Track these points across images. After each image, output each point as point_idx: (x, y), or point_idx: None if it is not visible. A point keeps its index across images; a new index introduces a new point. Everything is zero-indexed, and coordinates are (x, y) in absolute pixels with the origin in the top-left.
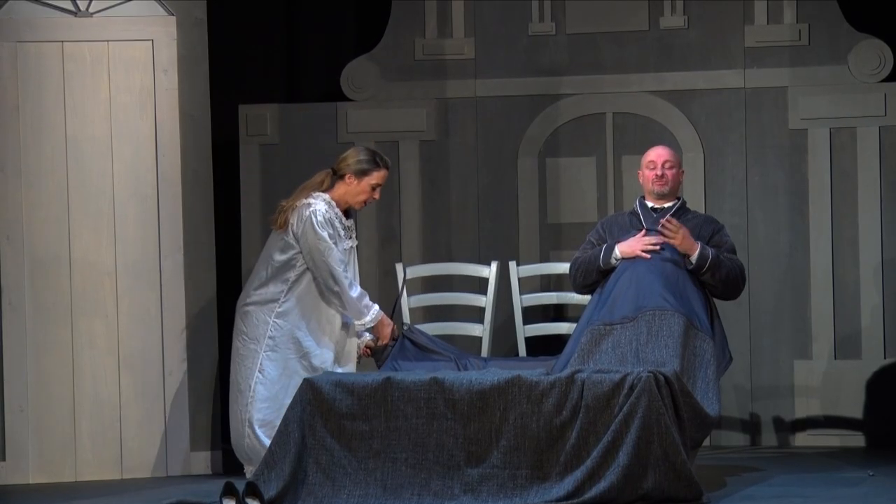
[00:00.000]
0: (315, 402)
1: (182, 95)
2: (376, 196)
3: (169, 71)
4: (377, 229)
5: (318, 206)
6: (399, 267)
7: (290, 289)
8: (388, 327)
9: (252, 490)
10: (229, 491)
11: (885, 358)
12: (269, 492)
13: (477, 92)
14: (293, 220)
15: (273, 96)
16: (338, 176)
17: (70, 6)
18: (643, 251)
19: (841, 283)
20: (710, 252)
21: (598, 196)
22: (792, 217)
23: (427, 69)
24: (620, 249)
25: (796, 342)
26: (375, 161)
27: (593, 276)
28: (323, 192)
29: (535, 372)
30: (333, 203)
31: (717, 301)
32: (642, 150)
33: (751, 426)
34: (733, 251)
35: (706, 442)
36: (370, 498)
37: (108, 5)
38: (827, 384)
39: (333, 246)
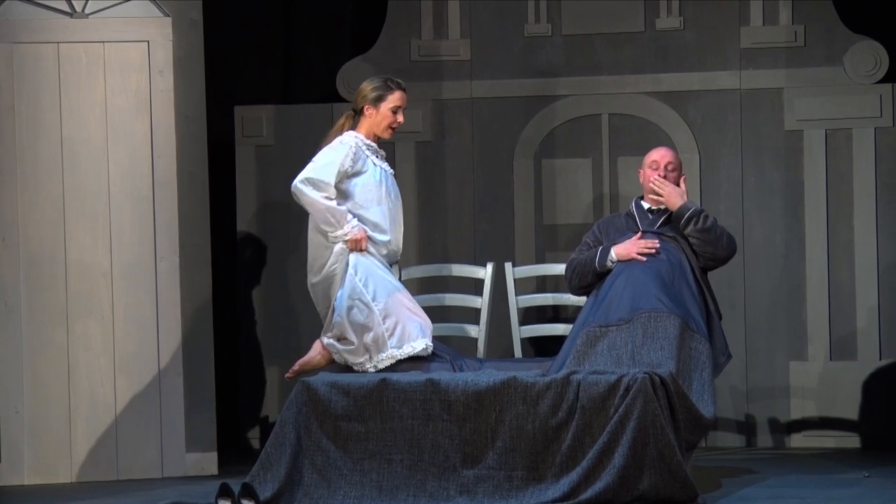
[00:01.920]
0: (311, 403)
1: (178, 97)
2: (400, 119)
3: (165, 72)
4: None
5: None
6: (395, 268)
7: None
8: (364, 242)
9: (247, 491)
10: (225, 492)
11: (880, 359)
12: (265, 493)
13: (473, 93)
14: None
15: (269, 98)
16: (358, 113)
17: (66, 7)
18: (639, 254)
19: (836, 285)
20: (693, 203)
21: (593, 197)
22: (787, 218)
23: (423, 70)
24: (616, 252)
25: (792, 344)
26: (388, 85)
27: (589, 279)
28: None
29: (531, 373)
30: (361, 135)
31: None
32: (638, 152)
33: (746, 427)
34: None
35: (702, 443)
36: (365, 499)
37: (104, 6)
38: (822, 386)
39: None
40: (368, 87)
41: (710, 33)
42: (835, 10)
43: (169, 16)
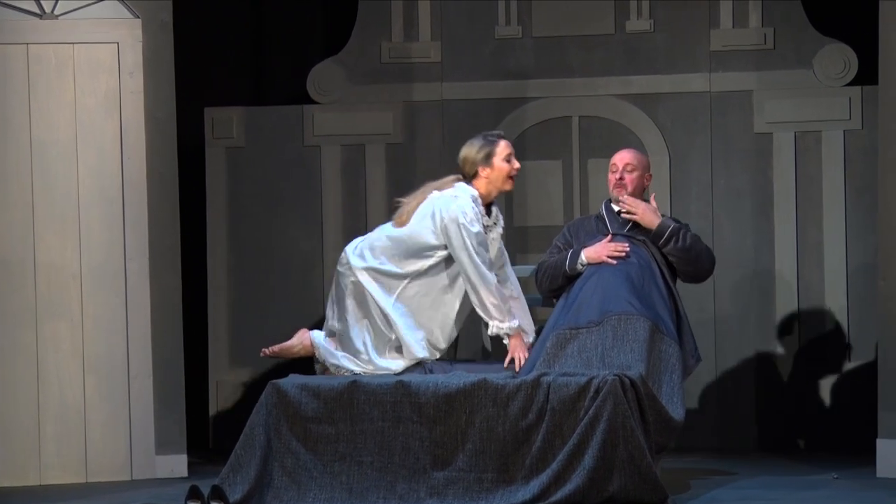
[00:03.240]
0: (280, 405)
1: (148, 98)
2: (516, 165)
3: (134, 73)
4: (343, 233)
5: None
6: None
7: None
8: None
9: (217, 493)
10: (194, 494)
11: (849, 361)
12: (235, 495)
13: (443, 95)
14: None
15: (239, 99)
16: (471, 178)
17: (35, 8)
18: (609, 257)
19: (806, 287)
20: (671, 222)
21: (564, 199)
22: (757, 221)
23: (393, 72)
24: (586, 255)
25: (761, 345)
26: (489, 139)
27: (559, 282)
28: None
29: (501, 375)
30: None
31: (686, 300)
32: (608, 154)
33: (716, 429)
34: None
35: (671, 445)
36: (336, 501)
37: (74, 7)
38: (792, 387)
39: None
40: (472, 151)
41: (680, 36)
42: (804, 13)
43: (139, 17)
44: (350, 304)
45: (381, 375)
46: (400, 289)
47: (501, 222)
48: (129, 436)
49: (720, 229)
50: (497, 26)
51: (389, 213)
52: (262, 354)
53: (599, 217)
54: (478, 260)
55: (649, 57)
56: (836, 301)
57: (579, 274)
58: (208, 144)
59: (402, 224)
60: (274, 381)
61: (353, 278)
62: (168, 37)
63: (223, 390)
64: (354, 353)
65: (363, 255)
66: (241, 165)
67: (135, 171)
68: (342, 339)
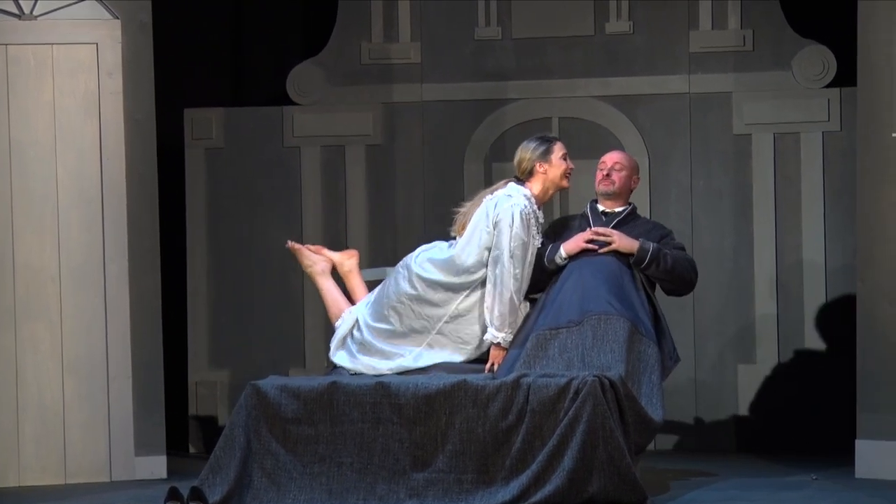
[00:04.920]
0: (260, 406)
1: (127, 99)
2: (571, 165)
3: (114, 74)
4: (323, 234)
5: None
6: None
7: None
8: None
9: (196, 495)
10: (174, 495)
11: (828, 362)
12: (214, 496)
13: (423, 96)
14: None
15: (219, 100)
16: (527, 176)
17: (14, 9)
18: (587, 242)
19: (784, 288)
20: (650, 245)
21: None
22: (736, 222)
23: (373, 73)
24: (565, 248)
25: (740, 346)
26: (546, 139)
27: (537, 275)
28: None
29: (481, 376)
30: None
31: (664, 301)
32: (588, 155)
33: (695, 430)
34: (682, 249)
35: (650, 446)
36: (315, 502)
37: (53, 8)
38: (771, 388)
39: None
40: (529, 150)
41: (660, 37)
42: (783, 15)
43: (118, 18)
44: (399, 315)
45: (361, 377)
46: (456, 303)
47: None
48: (109, 437)
49: (699, 230)
50: (477, 27)
51: (369, 213)
52: (286, 244)
53: (583, 216)
54: (507, 265)
55: (629, 58)
56: (814, 302)
57: (558, 268)
58: (188, 145)
59: (460, 233)
60: (253, 382)
61: (409, 290)
62: (147, 37)
63: (203, 391)
64: (372, 351)
65: (423, 266)
66: (221, 166)
67: (114, 172)
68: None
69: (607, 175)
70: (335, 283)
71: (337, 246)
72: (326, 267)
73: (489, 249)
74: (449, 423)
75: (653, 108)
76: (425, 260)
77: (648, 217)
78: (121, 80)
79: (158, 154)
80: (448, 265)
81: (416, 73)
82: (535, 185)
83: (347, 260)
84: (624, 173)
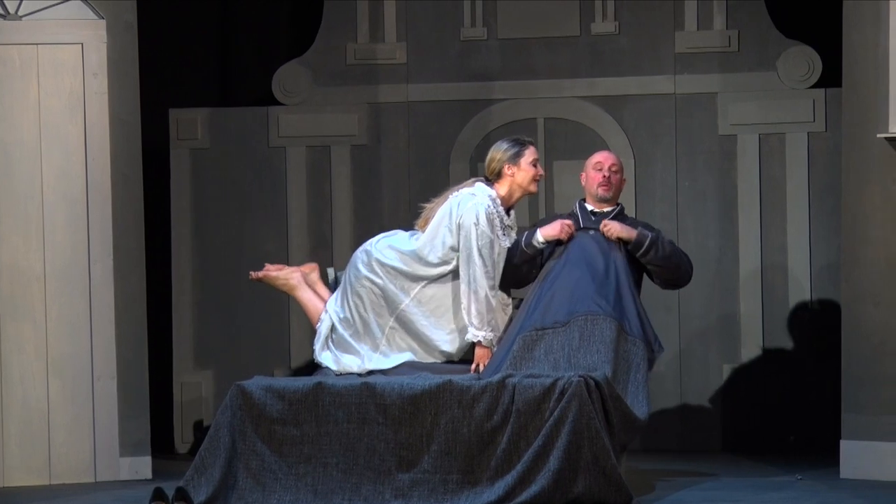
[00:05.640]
0: (245, 407)
1: (112, 99)
2: (541, 171)
3: (99, 75)
4: (308, 235)
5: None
6: (331, 272)
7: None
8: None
9: (181, 495)
10: (158, 496)
11: (813, 362)
12: (199, 497)
13: (409, 97)
14: None
15: (204, 100)
16: (496, 177)
17: None
18: (564, 230)
19: (769, 288)
20: (647, 231)
21: (529, 201)
22: (721, 222)
23: (359, 74)
24: (543, 233)
25: (725, 346)
26: (518, 142)
27: (515, 261)
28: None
29: (467, 377)
30: (498, 201)
31: (650, 300)
32: (574, 156)
33: (680, 430)
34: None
35: (636, 446)
36: (300, 503)
37: (38, 8)
38: (756, 388)
39: None
40: (500, 151)
41: (645, 38)
42: (768, 16)
43: (103, 18)
44: (361, 300)
45: (346, 377)
46: (417, 289)
47: (515, 227)
48: (94, 437)
49: (685, 231)
50: (463, 28)
51: (355, 214)
52: (250, 276)
53: (572, 214)
54: (477, 262)
55: (614, 59)
56: (799, 302)
57: (536, 252)
58: (173, 146)
59: (423, 228)
60: (239, 382)
61: (370, 275)
62: (133, 38)
63: (188, 392)
64: (348, 348)
65: (383, 252)
66: (206, 167)
67: (99, 173)
68: (345, 333)
69: (607, 178)
70: (313, 292)
71: (323, 245)
72: (300, 278)
73: (454, 248)
74: (434, 424)
75: (638, 108)
76: (386, 246)
77: (635, 217)
78: (106, 81)
79: (143, 154)
80: (410, 255)
81: (401, 73)
82: (502, 187)
83: (310, 273)
84: (619, 175)
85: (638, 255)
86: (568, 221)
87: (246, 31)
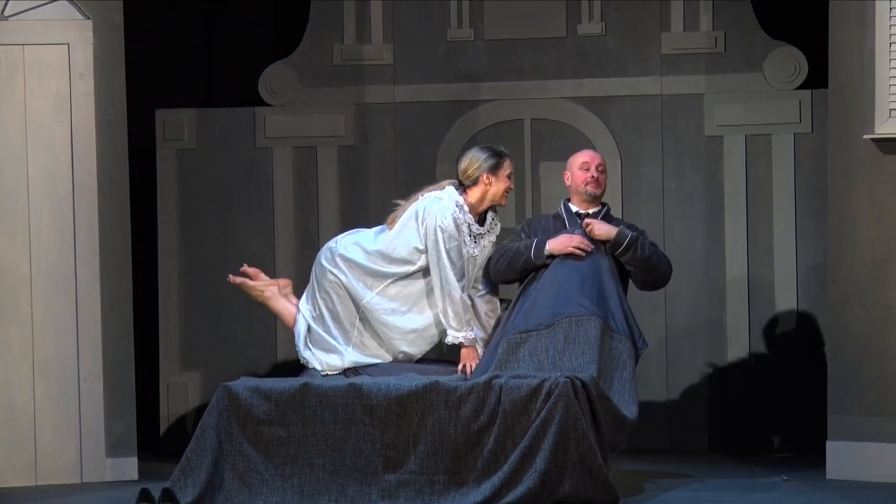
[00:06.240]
0: (232, 408)
1: (98, 100)
2: (511, 184)
3: (85, 75)
4: (295, 235)
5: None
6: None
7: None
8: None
9: (168, 496)
10: (145, 497)
11: (799, 363)
12: (186, 498)
13: (395, 97)
14: None
15: (190, 101)
16: (472, 184)
17: None
18: (576, 248)
19: (756, 289)
20: (628, 232)
21: (516, 202)
22: (708, 223)
23: (345, 74)
24: (551, 246)
25: (712, 348)
26: (498, 152)
27: (517, 267)
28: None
29: (453, 377)
30: (466, 208)
31: (636, 300)
32: (560, 157)
33: (667, 431)
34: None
35: (623, 446)
36: None
37: (24, 9)
38: (742, 389)
39: None
40: (481, 158)
41: (632, 39)
42: (755, 17)
43: (89, 18)
44: (329, 295)
45: (333, 378)
46: (381, 287)
47: (497, 229)
48: (80, 438)
49: (671, 232)
50: (449, 29)
51: (342, 215)
52: (228, 279)
53: (557, 216)
54: (447, 265)
55: (601, 60)
56: (786, 303)
57: (542, 266)
58: (159, 146)
59: (392, 225)
60: (225, 383)
61: (335, 271)
62: (119, 38)
63: (174, 393)
64: (325, 346)
65: (347, 248)
66: (193, 167)
67: (85, 173)
68: (317, 329)
69: (595, 178)
70: (288, 301)
71: (310, 246)
72: (275, 290)
73: (418, 249)
74: (421, 425)
75: (625, 109)
76: (351, 242)
77: (621, 218)
78: (92, 81)
79: (130, 155)
80: (375, 253)
81: (388, 74)
82: (475, 194)
83: (285, 287)
84: (604, 175)
85: (616, 253)
86: (584, 243)
87: (232, 32)
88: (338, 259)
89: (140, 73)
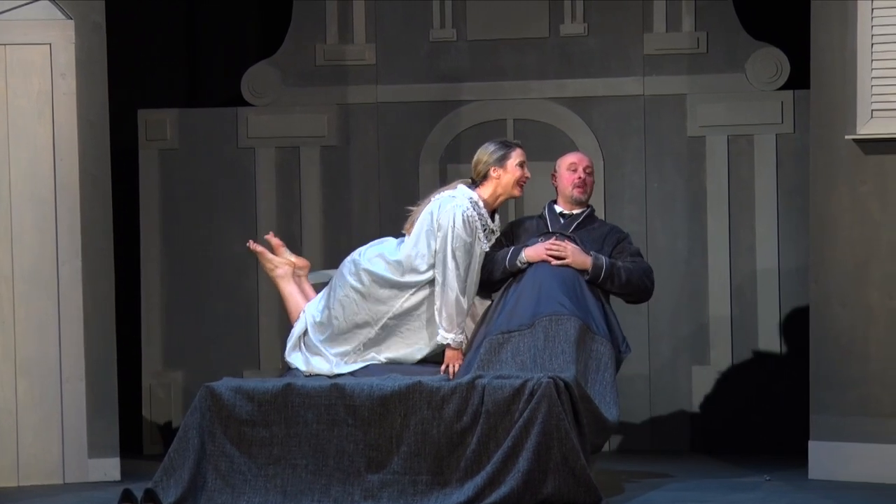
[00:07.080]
0: (215, 408)
1: (80, 100)
2: (527, 174)
3: (67, 75)
4: (278, 235)
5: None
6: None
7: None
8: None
9: (150, 496)
10: (127, 497)
11: (781, 363)
12: (168, 498)
13: (378, 98)
14: None
15: (173, 101)
16: (482, 179)
17: None
18: (549, 254)
19: (738, 290)
20: (603, 262)
21: None
22: (690, 224)
23: (328, 74)
24: (526, 254)
25: (695, 348)
26: (506, 144)
27: (496, 275)
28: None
29: (436, 378)
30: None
31: (619, 301)
32: (543, 157)
33: (649, 431)
34: (638, 255)
35: (606, 447)
36: None
37: (5, 9)
38: (725, 389)
39: None
40: (487, 153)
41: (614, 39)
42: (737, 18)
43: (71, 18)
44: (344, 309)
45: (316, 378)
46: (404, 298)
47: (498, 231)
48: (62, 439)
49: (653, 232)
50: (432, 29)
51: (324, 215)
52: (248, 245)
53: (541, 217)
54: (451, 266)
55: (583, 60)
56: (768, 303)
57: (518, 271)
58: (142, 146)
59: (408, 231)
60: (208, 384)
61: (357, 285)
62: (101, 38)
63: (156, 393)
64: (317, 353)
65: (371, 261)
66: (175, 167)
67: (67, 173)
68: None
69: (583, 180)
70: (297, 287)
71: (293, 247)
72: (288, 270)
73: (436, 252)
74: (404, 425)
75: (607, 109)
76: (374, 255)
77: (604, 219)
78: (74, 81)
79: (112, 155)
80: (397, 265)
81: (370, 74)
82: (487, 190)
83: (301, 269)
84: (591, 178)
85: (596, 285)
86: (555, 244)
87: (215, 32)
88: (361, 273)
89: (122, 72)
